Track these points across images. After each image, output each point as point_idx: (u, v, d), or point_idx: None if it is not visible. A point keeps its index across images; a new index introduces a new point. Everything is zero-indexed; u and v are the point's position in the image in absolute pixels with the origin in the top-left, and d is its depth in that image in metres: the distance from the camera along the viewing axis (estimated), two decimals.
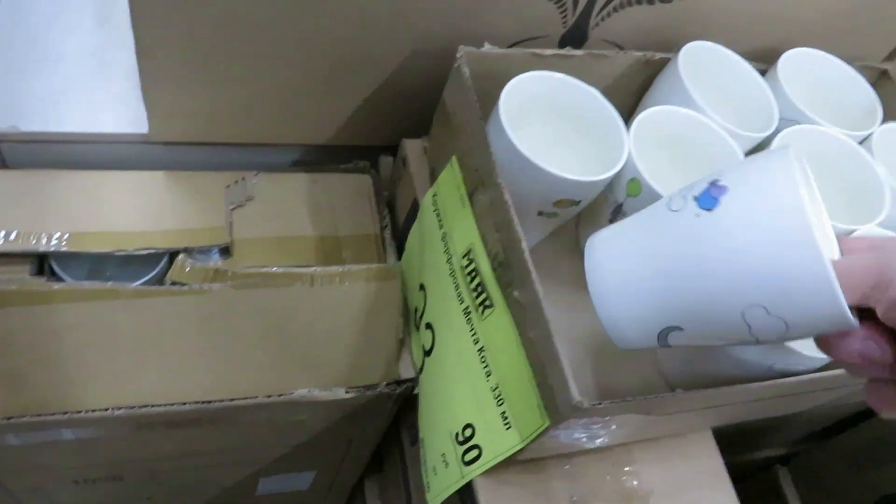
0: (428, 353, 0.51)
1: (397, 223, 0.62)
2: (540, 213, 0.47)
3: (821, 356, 0.39)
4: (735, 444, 0.70)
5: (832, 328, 0.32)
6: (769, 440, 0.72)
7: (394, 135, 0.62)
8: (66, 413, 0.48)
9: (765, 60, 0.59)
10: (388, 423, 0.62)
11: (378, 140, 0.64)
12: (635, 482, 0.47)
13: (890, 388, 0.33)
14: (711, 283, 0.33)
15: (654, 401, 0.39)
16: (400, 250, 0.59)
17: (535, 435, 0.41)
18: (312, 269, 0.52)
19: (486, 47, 0.50)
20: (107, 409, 0.48)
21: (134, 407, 0.49)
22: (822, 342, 0.34)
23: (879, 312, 0.31)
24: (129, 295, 0.48)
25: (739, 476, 0.77)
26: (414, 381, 0.54)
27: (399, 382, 0.54)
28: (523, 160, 0.43)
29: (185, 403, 0.49)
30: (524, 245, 0.41)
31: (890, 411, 0.33)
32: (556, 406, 0.39)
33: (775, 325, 0.32)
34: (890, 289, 0.30)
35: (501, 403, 0.43)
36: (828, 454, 0.68)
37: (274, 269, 0.51)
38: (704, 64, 0.55)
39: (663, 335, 0.36)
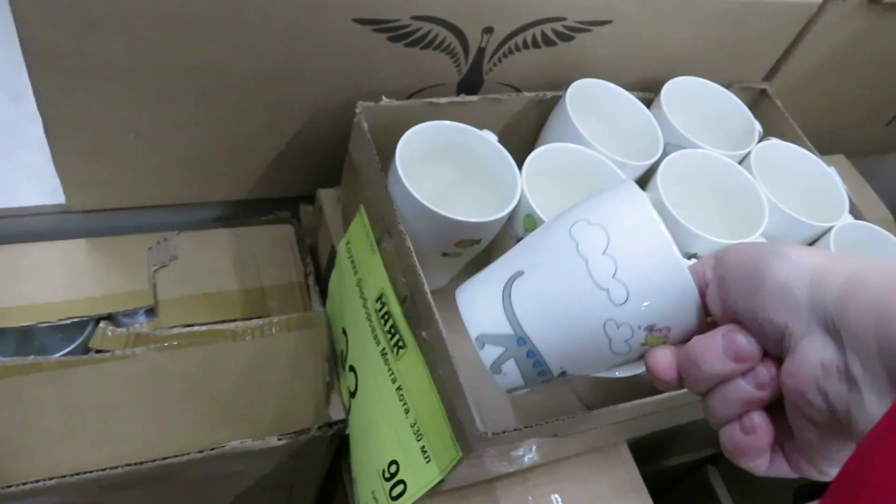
0: (353, 394, 0.53)
1: (321, 269, 0.64)
2: (444, 254, 0.50)
3: None
4: (666, 449, 0.74)
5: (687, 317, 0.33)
6: (698, 442, 0.76)
7: (312, 184, 0.64)
8: None
9: (650, 90, 0.63)
10: (327, 465, 0.63)
11: (297, 191, 0.67)
12: (557, 498, 0.50)
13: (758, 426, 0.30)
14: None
15: (558, 424, 0.42)
16: (324, 295, 0.61)
17: (451, 466, 0.43)
18: (234, 324, 0.54)
19: (384, 101, 0.53)
20: (37, 481, 0.49)
21: (66, 476, 0.49)
22: (689, 357, 0.32)
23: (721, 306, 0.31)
24: (52, 367, 0.49)
25: (674, 479, 0.81)
26: (345, 422, 0.56)
27: (330, 424, 0.56)
28: (421, 207, 0.46)
29: (116, 467, 0.50)
30: (426, 288, 0.44)
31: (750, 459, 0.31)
32: (465, 438, 0.41)
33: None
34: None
35: (420, 438, 0.46)
36: None
37: (195, 328, 0.53)
38: (592, 99, 0.59)
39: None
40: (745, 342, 0.30)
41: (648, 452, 0.73)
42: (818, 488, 0.58)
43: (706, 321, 0.33)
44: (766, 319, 0.29)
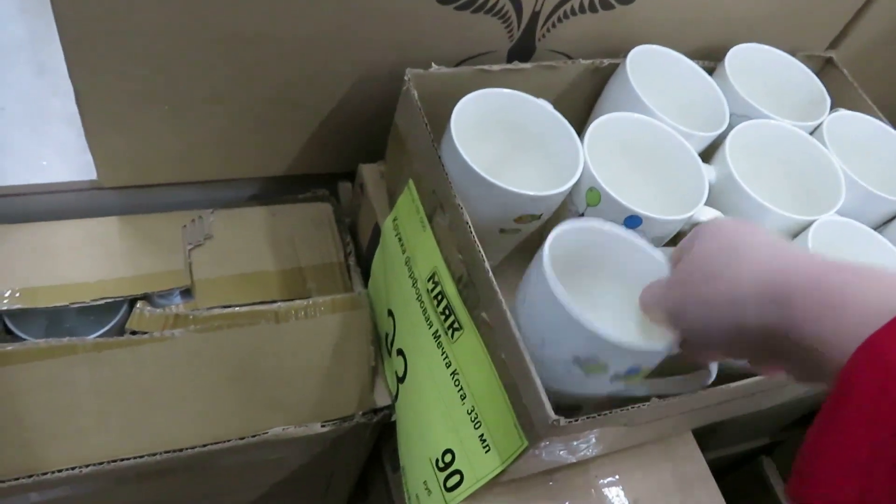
0: (401, 379, 0.50)
1: (361, 249, 0.61)
2: (502, 231, 0.46)
3: None
4: (719, 438, 0.71)
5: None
6: (752, 432, 0.72)
7: (351, 160, 0.61)
8: (31, 476, 0.46)
9: (712, 58, 0.59)
10: (368, 452, 0.60)
11: (335, 167, 0.64)
12: (619, 492, 0.47)
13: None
14: None
15: (631, 412, 0.39)
16: (366, 276, 0.58)
17: (514, 456, 0.40)
18: (276, 305, 0.51)
19: (434, 68, 0.50)
20: (73, 469, 0.46)
21: (102, 463, 0.47)
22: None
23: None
24: (87, 349, 0.46)
25: (725, 469, 0.77)
26: (390, 409, 0.53)
27: (375, 411, 0.53)
28: (479, 180, 0.43)
29: (154, 454, 0.48)
30: (487, 266, 0.40)
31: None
32: (532, 426, 0.38)
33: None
34: (678, 328, 0.37)
35: (479, 426, 0.43)
36: None
37: (236, 308, 0.50)
38: (653, 67, 0.55)
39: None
40: None
41: (702, 441, 0.70)
42: None
43: None
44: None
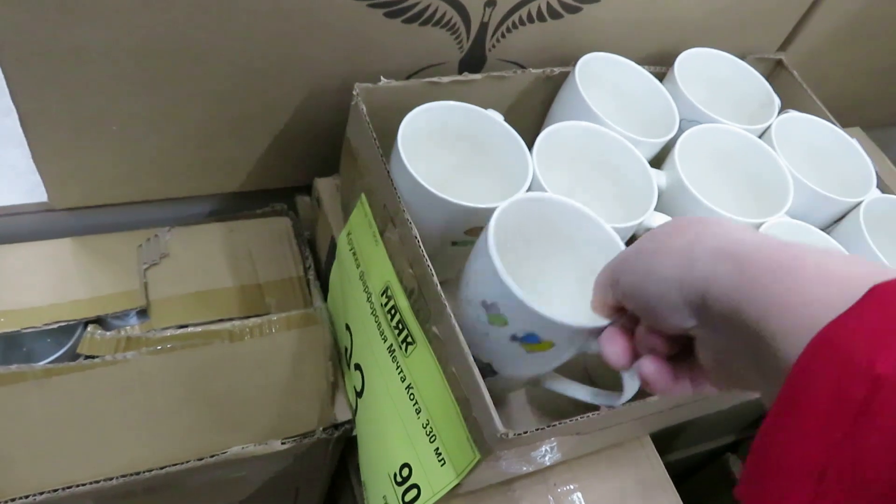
0: (360, 393, 0.50)
1: (321, 263, 0.61)
2: (454, 243, 0.46)
3: None
4: (686, 438, 0.71)
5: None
6: (718, 431, 0.73)
7: (308, 174, 0.61)
8: None
9: (663, 63, 0.60)
10: (333, 467, 0.60)
11: (293, 181, 0.63)
12: (579, 498, 0.47)
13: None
14: None
15: (580, 423, 0.39)
16: (325, 290, 0.58)
17: (468, 469, 0.40)
18: (231, 323, 0.51)
19: (383, 82, 0.50)
20: (27, 497, 0.46)
21: (57, 489, 0.46)
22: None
23: (620, 301, 0.34)
24: (37, 375, 0.46)
25: (693, 468, 0.78)
26: (351, 423, 0.53)
27: (336, 426, 0.53)
28: (427, 194, 0.43)
29: (111, 479, 0.47)
30: (436, 280, 0.41)
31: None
32: (483, 439, 0.38)
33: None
34: (618, 285, 0.33)
35: (434, 440, 0.43)
36: None
37: (190, 328, 0.50)
38: (602, 74, 0.56)
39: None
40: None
41: (667, 442, 0.70)
42: None
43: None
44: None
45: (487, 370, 0.40)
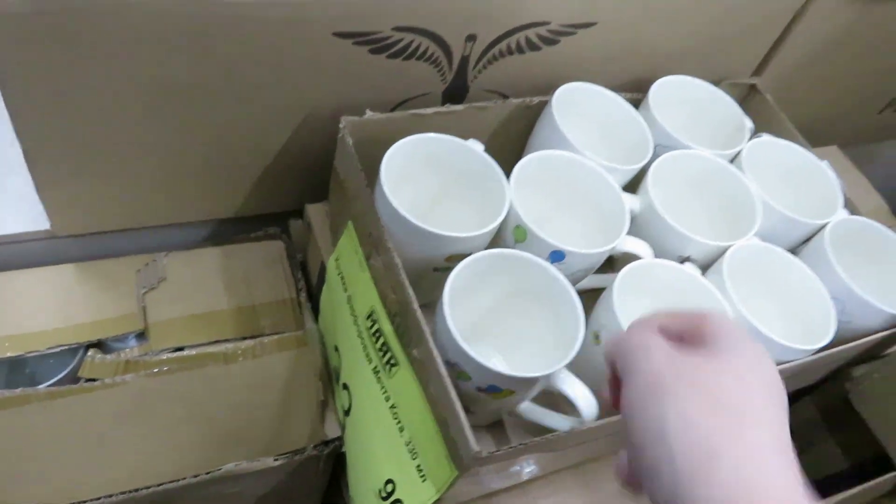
0: (347, 412, 0.53)
1: (312, 285, 0.63)
2: (436, 269, 0.49)
3: None
4: None
5: None
6: None
7: (301, 199, 0.64)
8: None
9: (640, 90, 0.62)
10: (326, 482, 0.62)
11: (287, 206, 0.66)
12: None
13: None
14: None
15: (552, 440, 0.41)
16: (317, 312, 0.61)
17: (447, 485, 0.42)
18: (225, 346, 0.53)
19: (368, 114, 0.53)
20: None
21: None
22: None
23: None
24: (41, 398, 0.48)
25: None
26: (341, 440, 0.55)
27: (326, 443, 0.56)
28: (408, 223, 0.45)
29: (111, 495, 0.49)
30: (415, 306, 0.43)
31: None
32: (460, 457, 0.40)
33: None
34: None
35: (416, 457, 0.45)
36: None
37: (185, 352, 0.52)
38: (579, 103, 0.58)
39: None
40: None
41: None
42: (826, 484, 0.58)
43: None
44: None
45: (465, 410, 0.43)
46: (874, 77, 0.79)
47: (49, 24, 0.43)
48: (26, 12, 0.41)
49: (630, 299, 0.48)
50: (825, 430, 0.62)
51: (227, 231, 0.67)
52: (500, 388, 0.43)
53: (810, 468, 0.66)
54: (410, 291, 0.43)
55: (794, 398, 0.65)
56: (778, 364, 0.48)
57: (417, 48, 0.53)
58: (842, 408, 0.58)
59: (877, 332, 0.52)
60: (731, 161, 0.59)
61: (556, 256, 0.48)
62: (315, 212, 0.60)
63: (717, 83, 0.65)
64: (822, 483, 0.61)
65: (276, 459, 0.53)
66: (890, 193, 0.88)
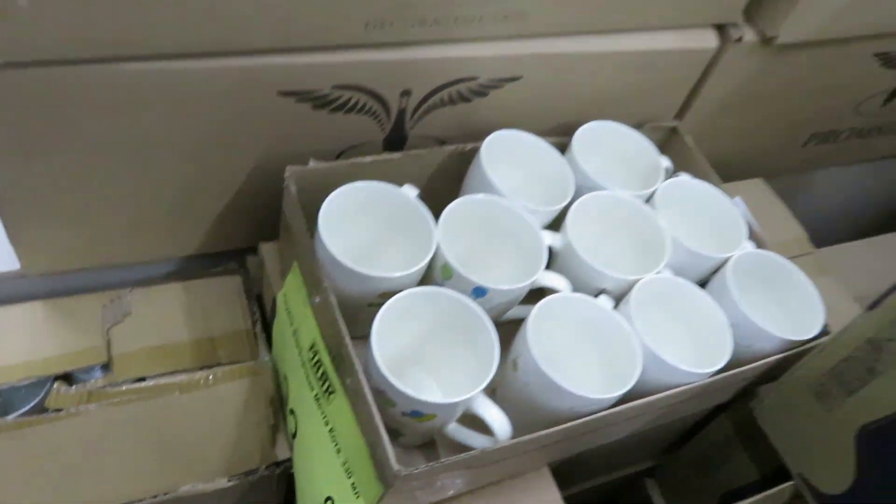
0: (294, 435, 0.58)
1: (267, 317, 0.68)
2: (370, 305, 0.54)
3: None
4: (605, 464, 0.79)
5: None
6: (636, 457, 0.81)
7: (257, 236, 0.69)
8: None
9: (568, 134, 0.68)
10: (280, 501, 0.67)
11: (244, 243, 0.71)
12: None
13: None
14: None
15: (469, 458, 0.47)
16: (271, 342, 0.66)
17: (376, 501, 0.47)
18: (181, 376, 0.58)
19: (312, 164, 0.58)
20: None
21: None
22: None
23: None
24: (10, 427, 0.53)
25: (615, 492, 0.85)
26: (290, 461, 0.60)
27: (277, 464, 0.60)
28: (343, 266, 0.51)
29: None
30: (348, 340, 0.48)
31: None
32: (385, 476, 0.46)
33: None
34: None
35: (351, 476, 0.50)
36: (680, 462, 0.77)
37: (147, 382, 0.57)
38: (508, 149, 0.64)
39: None
40: None
41: (590, 468, 0.78)
42: (741, 494, 0.63)
43: None
44: None
45: (393, 434, 0.48)
46: (792, 114, 0.86)
47: (20, 82, 0.48)
48: None
49: (546, 330, 0.53)
50: (739, 445, 0.68)
51: (188, 266, 0.72)
52: (423, 413, 0.48)
53: (727, 480, 0.72)
54: (344, 328, 0.49)
55: (712, 416, 0.70)
56: (677, 386, 0.54)
57: (356, 103, 0.59)
58: (751, 424, 0.64)
59: (773, 355, 0.58)
60: (648, 199, 0.65)
61: (479, 292, 0.54)
62: (268, 250, 0.66)
63: (640, 126, 0.71)
64: (735, 493, 0.67)
65: (229, 480, 0.58)
66: (815, 221, 0.95)
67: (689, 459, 0.75)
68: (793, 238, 0.83)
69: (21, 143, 0.52)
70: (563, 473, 0.65)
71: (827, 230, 0.94)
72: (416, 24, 0.55)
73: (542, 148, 0.65)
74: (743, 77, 0.75)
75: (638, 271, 0.59)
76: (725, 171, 0.85)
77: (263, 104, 0.56)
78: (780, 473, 0.61)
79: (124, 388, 0.57)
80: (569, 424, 0.49)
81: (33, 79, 0.48)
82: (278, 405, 0.62)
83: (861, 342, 0.51)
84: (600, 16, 0.63)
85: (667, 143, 0.75)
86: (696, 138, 0.75)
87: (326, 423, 0.52)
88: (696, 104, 0.76)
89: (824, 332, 0.59)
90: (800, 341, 0.58)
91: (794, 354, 0.58)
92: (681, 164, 0.72)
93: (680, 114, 0.77)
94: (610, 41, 0.64)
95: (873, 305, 0.50)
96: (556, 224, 0.62)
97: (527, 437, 0.48)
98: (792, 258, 0.71)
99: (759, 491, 0.62)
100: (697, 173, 0.70)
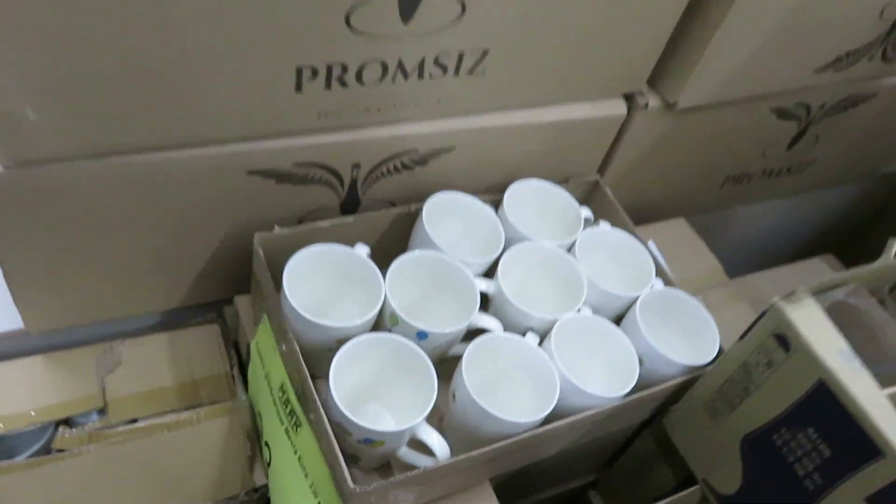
0: (269, 464, 0.67)
1: (243, 360, 0.77)
2: (329, 350, 0.64)
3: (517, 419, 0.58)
4: (549, 478, 0.88)
5: None
6: (579, 471, 0.90)
7: (234, 288, 0.78)
8: None
9: (500, 192, 0.79)
10: None
11: (221, 295, 0.80)
12: None
13: None
14: None
15: (410, 476, 0.56)
16: (248, 383, 0.75)
17: None
18: (169, 417, 0.67)
19: (277, 230, 0.68)
20: None
21: None
22: None
23: None
24: (20, 468, 0.61)
25: (566, 503, 0.95)
26: (267, 487, 0.69)
27: (256, 489, 0.69)
28: (304, 318, 0.60)
29: None
30: (310, 382, 0.58)
31: None
32: (344, 494, 0.55)
33: None
34: None
35: (317, 496, 0.59)
36: (617, 474, 0.87)
37: (139, 424, 0.66)
38: (448, 208, 0.74)
39: None
40: None
41: (538, 482, 0.87)
42: (665, 499, 0.73)
43: None
44: None
45: (353, 459, 0.57)
46: (705, 162, 0.97)
47: (24, 179, 0.57)
48: None
49: (482, 364, 0.63)
50: (660, 456, 0.78)
51: (172, 318, 0.81)
52: (373, 440, 0.58)
53: (654, 487, 0.82)
54: (305, 371, 0.58)
55: (638, 432, 0.80)
56: (592, 408, 0.64)
57: (314, 176, 0.69)
58: (668, 438, 0.74)
59: (676, 378, 0.68)
60: (571, 247, 0.76)
61: (422, 335, 0.64)
62: (242, 302, 0.75)
63: (565, 181, 0.82)
64: (660, 499, 0.77)
65: None
66: (734, 253, 1.06)
67: (624, 471, 0.85)
68: (710, 270, 0.94)
69: (24, 228, 0.61)
70: (514, 487, 0.75)
71: (744, 262, 1.05)
72: (361, 112, 0.65)
73: (476, 206, 0.75)
74: (654, 136, 0.87)
75: (560, 311, 0.69)
76: (651, 212, 0.97)
77: (234, 182, 0.66)
78: (690, 479, 0.71)
79: (119, 429, 0.65)
80: (497, 445, 0.59)
81: (36, 176, 0.57)
82: (255, 438, 0.71)
83: (737, 366, 0.61)
84: (521, 93, 0.74)
85: (590, 195, 0.86)
86: (618, 188, 0.86)
87: (295, 452, 0.62)
88: (615, 161, 0.87)
89: (719, 356, 0.70)
90: (698, 366, 0.68)
91: (692, 378, 0.68)
92: (602, 213, 0.83)
93: (601, 169, 0.88)
94: (530, 114, 0.75)
95: (744, 335, 0.61)
96: (490, 272, 0.72)
97: (463, 455, 0.58)
98: (708, 288, 0.82)
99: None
100: (616, 221, 0.81)
